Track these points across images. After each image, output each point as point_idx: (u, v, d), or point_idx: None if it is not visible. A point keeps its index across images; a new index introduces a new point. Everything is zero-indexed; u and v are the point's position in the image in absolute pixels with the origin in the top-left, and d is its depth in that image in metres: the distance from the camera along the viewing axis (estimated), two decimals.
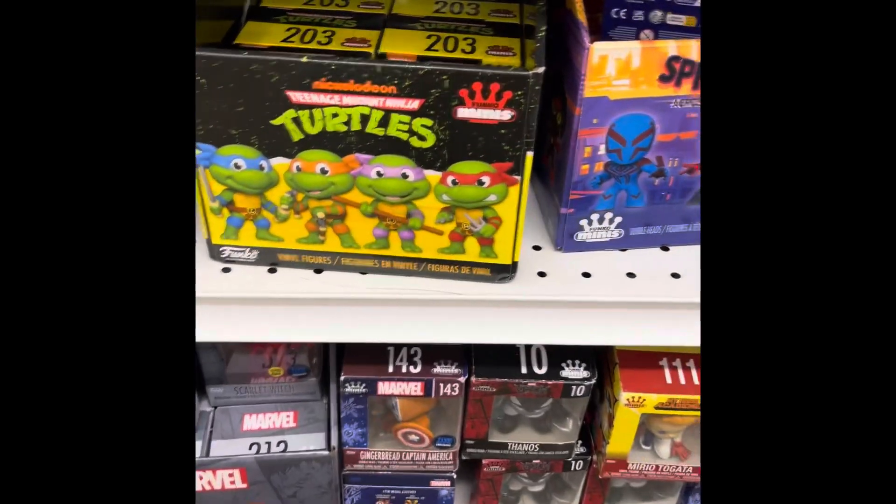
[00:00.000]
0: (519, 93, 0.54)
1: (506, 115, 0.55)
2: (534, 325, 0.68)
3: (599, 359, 0.81)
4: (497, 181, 0.59)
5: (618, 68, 0.60)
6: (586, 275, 0.69)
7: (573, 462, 0.85)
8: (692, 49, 0.59)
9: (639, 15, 0.68)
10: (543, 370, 0.76)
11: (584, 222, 0.69)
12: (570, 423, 0.83)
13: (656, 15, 0.68)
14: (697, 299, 0.66)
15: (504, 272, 0.65)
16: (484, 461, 0.85)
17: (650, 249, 0.72)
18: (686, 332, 0.69)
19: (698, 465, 0.83)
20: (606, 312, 0.68)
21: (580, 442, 0.86)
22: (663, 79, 0.61)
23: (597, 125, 0.63)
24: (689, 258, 0.70)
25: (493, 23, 0.69)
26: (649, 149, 0.65)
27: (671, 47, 0.59)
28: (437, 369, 0.77)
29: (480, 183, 0.59)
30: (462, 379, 0.76)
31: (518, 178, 0.59)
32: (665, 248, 0.72)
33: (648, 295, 0.67)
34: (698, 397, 0.74)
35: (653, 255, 0.71)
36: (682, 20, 0.68)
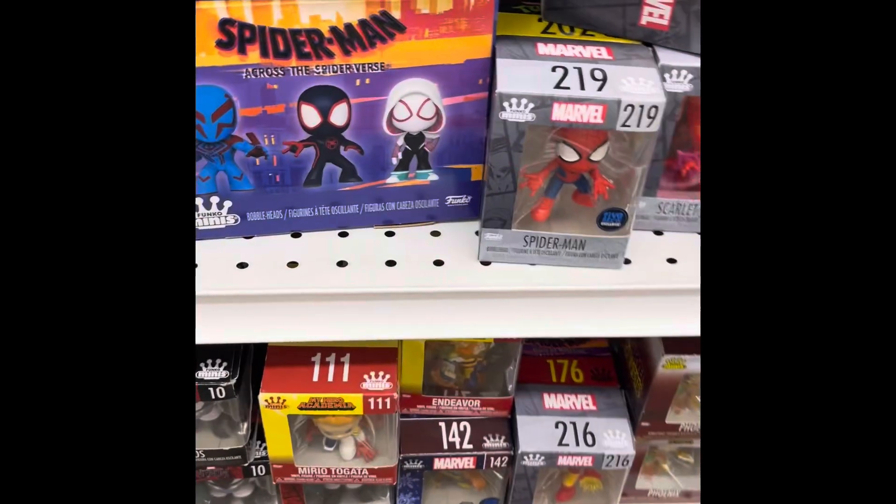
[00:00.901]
0: None
1: None
2: None
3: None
4: None
5: None
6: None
7: (254, 467, 0.79)
8: (245, 11, 0.53)
9: None
10: None
11: None
12: (245, 427, 0.77)
13: None
14: (325, 290, 0.60)
15: None
16: None
17: (278, 236, 0.65)
18: (349, 326, 0.63)
19: (383, 465, 0.78)
20: (214, 307, 0.61)
21: (262, 444, 0.79)
22: (222, 45, 0.54)
23: None
24: (314, 244, 0.64)
25: None
26: (234, 125, 0.58)
27: (220, 8, 0.52)
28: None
29: None
30: None
31: None
32: (296, 235, 0.66)
33: (257, 287, 0.61)
34: (345, 395, 0.68)
35: (275, 243, 0.65)
36: None
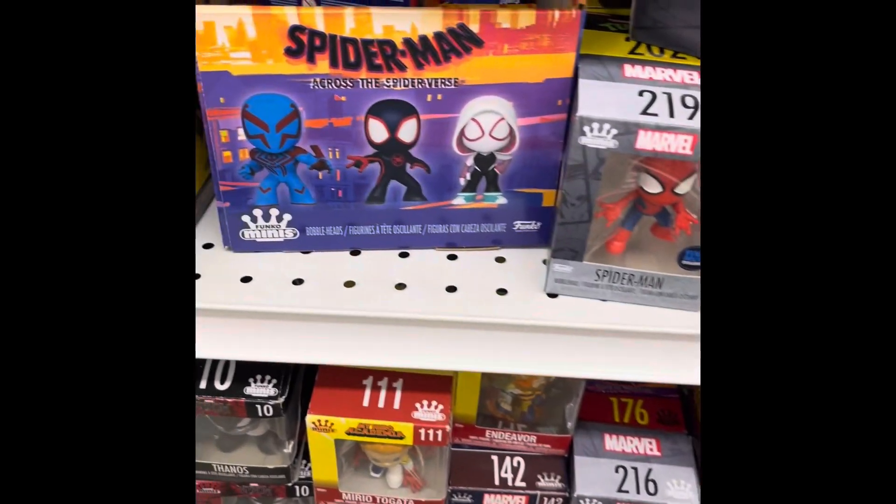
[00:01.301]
0: None
1: None
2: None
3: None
4: None
5: (231, 38, 0.51)
6: (246, 279, 0.60)
7: (297, 487, 0.76)
8: (317, 18, 0.50)
9: None
10: (226, 385, 0.67)
11: (246, 218, 0.60)
12: (291, 445, 0.74)
13: None
14: (381, 313, 0.57)
15: None
16: (197, 482, 0.76)
17: (336, 253, 0.63)
18: (397, 351, 0.60)
19: (430, 497, 0.74)
20: (266, 323, 0.59)
21: (307, 464, 0.77)
22: (291, 52, 0.51)
23: (225, 105, 0.54)
24: (373, 263, 0.61)
25: None
26: (299, 136, 0.56)
27: (291, 15, 0.50)
28: None
29: None
30: None
31: None
32: (356, 253, 0.63)
33: (311, 306, 0.58)
34: (395, 424, 0.65)
35: (333, 259, 0.62)
36: None
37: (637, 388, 0.84)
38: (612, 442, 0.78)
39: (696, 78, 0.54)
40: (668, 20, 0.56)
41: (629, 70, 0.54)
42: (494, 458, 0.79)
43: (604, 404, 0.82)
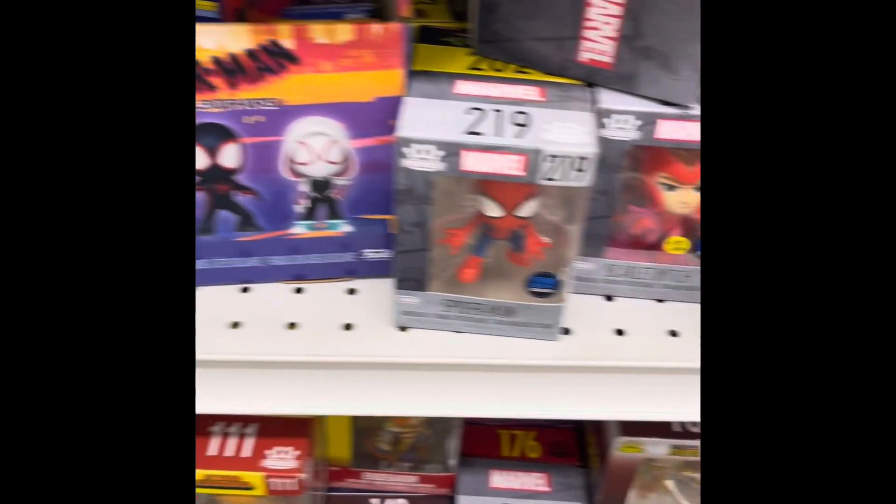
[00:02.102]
0: None
1: None
2: None
3: None
4: None
5: None
6: None
7: None
8: None
9: None
10: None
11: None
12: None
13: None
14: (212, 356, 0.53)
15: None
16: None
17: None
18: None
19: None
20: None
21: None
22: None
23: None
24: (208, 301, 0.56)
25: None
26: None
27: None
28: None
29: None
30: None
31: None
32: None
33: None
34: (243, 474, 0.60)
35: None
36: None
37: (529, 420, 0.80)
38: (498, 478, 0.74)
39: (534, 93, 0.50)
40: (511, 32, 0.53)
41: (461, 86, 0.50)
42: (374, 501, 0.74)
43: (492, 438, 0.78)
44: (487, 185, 0.50)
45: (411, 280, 0.53)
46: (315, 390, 0.54)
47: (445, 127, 0.46)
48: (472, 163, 0.46)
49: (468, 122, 0.47)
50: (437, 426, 0.75)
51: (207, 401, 0.55)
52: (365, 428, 0.73)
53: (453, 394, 0.55)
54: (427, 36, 0.57)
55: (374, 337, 0.55)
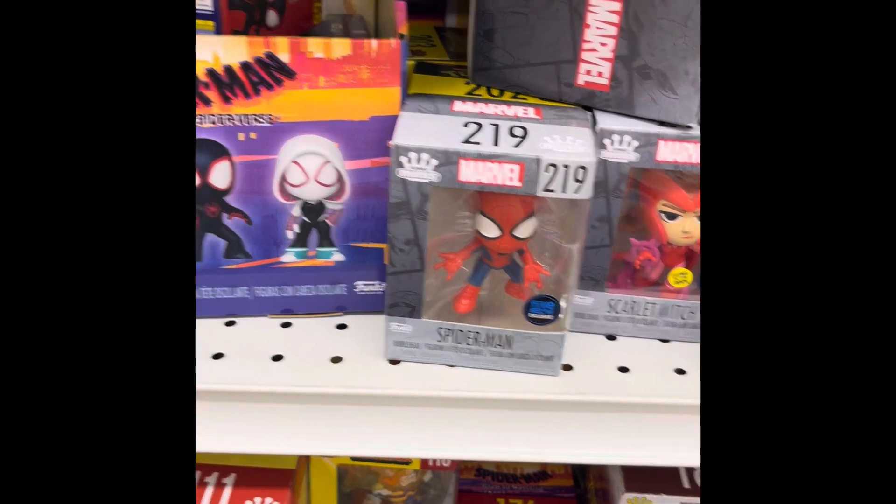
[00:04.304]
0: None
1: None
2: None
3: None
4: None
5: None
6: None
7: None
8: None
9: None
10: None
11: None
12: None
13: None
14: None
15: None
16: None
17: None
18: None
19: None
20: None
21: None
22: None
23: None
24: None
25: None
26: None
27: None
28: None
29: None
30: None
31: None
32: None
33: None
34: None
35: None
36: None
37: (529, 488, 0.75)
38: None
39: (530, 113, 0.50)
40: (509, 59, 0.53)
41: (459, 105, 0.50)
42: None
43: None
44: (484, 201, 0.49)
45: (404, 305, 0.50)
46: (299, 426, 0.51)
47: (442, 136, 0.45)
48: (470, 173, 0.45)
49: (465, 133, 0.46)
50: (429, 491, 0.70)
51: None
52: (352, 492, 0.68)
53: (446, 430, 0.51)
54: (425, 69, 0.57)
55: (364, 369, 0.52)
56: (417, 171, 0.45)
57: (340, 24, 0.66)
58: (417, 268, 0.49)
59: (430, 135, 0.46)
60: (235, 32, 0.54)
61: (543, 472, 0.77)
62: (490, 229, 0.49)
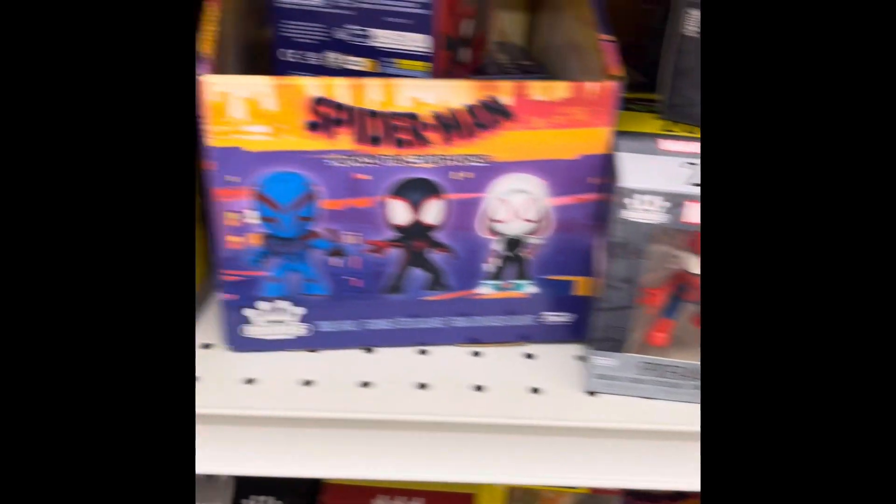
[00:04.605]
0: None
1: None
2: None
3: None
4: None
5: (249, 111, 0.47)
6: (250, 381, 0.53)
7: None
8: (339, 90, 0.47)
9: (314, 58, 0.57)
10: None
11: (251, 313, 0.54)
12: None
13: (331, 58, 0.56)
14: (401, 416, 0.51)
15: None
16: None
17: (347, 351, 0.57)
18: (401, 461, 0.53)
19: None
20: (267, 430, 0.52)
21: None
22: (313, 127, 0.48)
23: (236, 184, 0.49)
24: (389, 362, 0.55)
25: None
26: (314, 219, 0.51)
27: (312, 87, 0.47)
28: None
29: None
30: None
31: None
32: (368, 349, 0.57)
33: (325, 410, 0.51)
34: None
35: (345, 358, 0.56)
36: (363, 64, 0.56)
37: None
38: None
39: None
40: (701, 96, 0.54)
41: (665, 144, 0.51)
42: None
43: None
44: (696, 240, 0.50)
45: (610, 340, 0.52)
46: (506, 456, 0.52)
47: (667, 178, 0.47)
48: (693, 215, 0.46)
49: (687, 175, 0.47)
50: None
51: (393, 466, 0.53)
52: None
53: (647, 463, 0.52)
54: None
55: (565, 400, 0.53)
56: (643, 213, 0.47)
57: (504, 55, 0.68)
58: (629, 304, 0.50)
59: (655, 176, 0.47)
60: (445, 70, 0.55)
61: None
62: (698, 267, 0.50)
